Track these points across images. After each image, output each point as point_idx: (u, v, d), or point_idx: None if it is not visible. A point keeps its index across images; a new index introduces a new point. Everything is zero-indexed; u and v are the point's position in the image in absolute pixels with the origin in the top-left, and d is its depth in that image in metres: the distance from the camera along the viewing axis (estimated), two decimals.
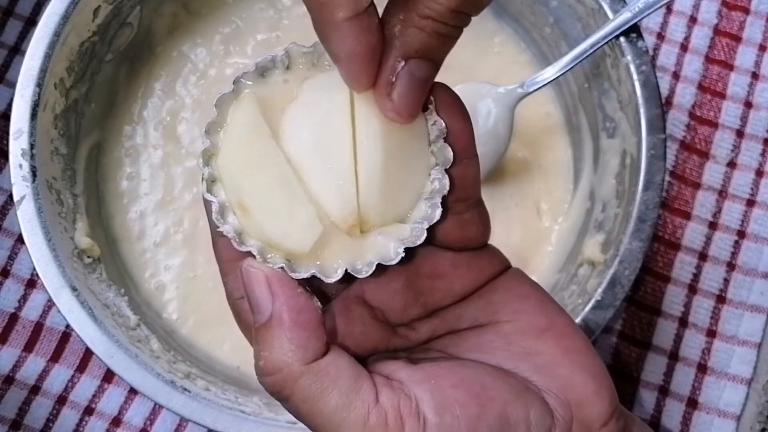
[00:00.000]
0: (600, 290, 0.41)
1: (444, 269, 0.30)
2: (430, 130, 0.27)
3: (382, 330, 0.30)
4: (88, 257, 0.43)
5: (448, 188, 0.27)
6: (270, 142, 0.26)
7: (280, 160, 0.26)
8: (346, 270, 0.26)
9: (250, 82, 0.27)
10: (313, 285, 0.27)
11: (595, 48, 0.44)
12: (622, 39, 0.44)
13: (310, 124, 0.27)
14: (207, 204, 0.27)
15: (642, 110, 0.43)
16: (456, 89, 0.51)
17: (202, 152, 0.27)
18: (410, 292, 0.30)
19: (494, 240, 0.48)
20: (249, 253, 0.26)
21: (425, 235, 0.27)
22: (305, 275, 0.26)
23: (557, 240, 0.48)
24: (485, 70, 0.50)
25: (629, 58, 0.44)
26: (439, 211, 0.27)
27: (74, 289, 0.40)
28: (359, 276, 0.27)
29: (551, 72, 0.46)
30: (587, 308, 0.41)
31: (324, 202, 0.27)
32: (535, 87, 0.46)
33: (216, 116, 0.27)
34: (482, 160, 0.47)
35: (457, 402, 0.27)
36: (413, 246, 0.27)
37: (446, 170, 0.27)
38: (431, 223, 0.27)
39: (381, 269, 0.28)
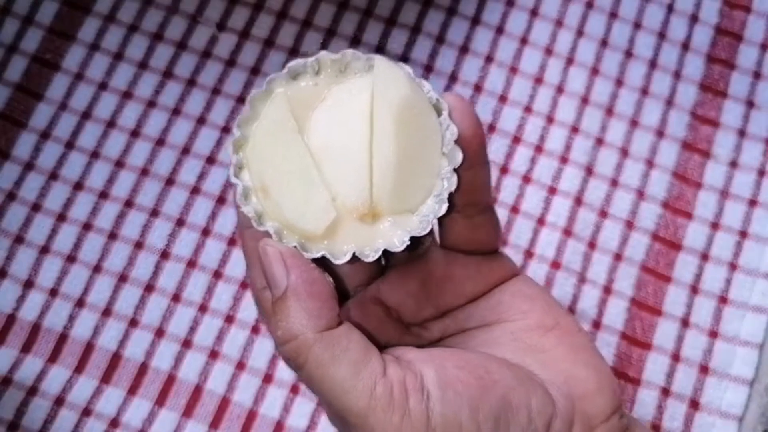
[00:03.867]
0: None
1: (455, 272, 0.32)
2: (444, 134, 0.30)
3: (396, 328, 0.32)
4: None
5: (456, 185, 0.29)
6: (295, 136, 0.29)
7: (303, 152, 0.29)
8: (354, 254, 0.29)
9: (282, 83, 0.31)
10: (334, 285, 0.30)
11: None
12: None
13: (333, 123, 0.30)
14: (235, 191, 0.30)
15: None
16: None
17: (233, 142, 0.30)
18: (423, 294, 0.32)
19: None
20: (267, 235, 0.29)
21: (431, 226, 0.29)
22: (316, 255, 0.29)
23: None
24: None
25: None
26: (445, 206, 0.29)
27: None
28: (366, 260, 0.29)
29: None
30: None
31: (340, 191, 0.29)
32: None
33: (247, 111, 0.30)
34: None
35: (460, 381, 0.28)
36: (419, 236, 0.29)
37: (457, 171, 0.29)
38: (437, 216, 0.29)
39: (396, 273, 0.31)
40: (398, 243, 0.29)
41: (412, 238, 0.29)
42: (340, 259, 0.29)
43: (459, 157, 0.29)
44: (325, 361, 0.28)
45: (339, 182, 0.29)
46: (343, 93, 0.30)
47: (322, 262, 0.29)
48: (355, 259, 0.29)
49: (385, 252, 0.29)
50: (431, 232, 0.31)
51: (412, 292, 0.32)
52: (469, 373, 0.29)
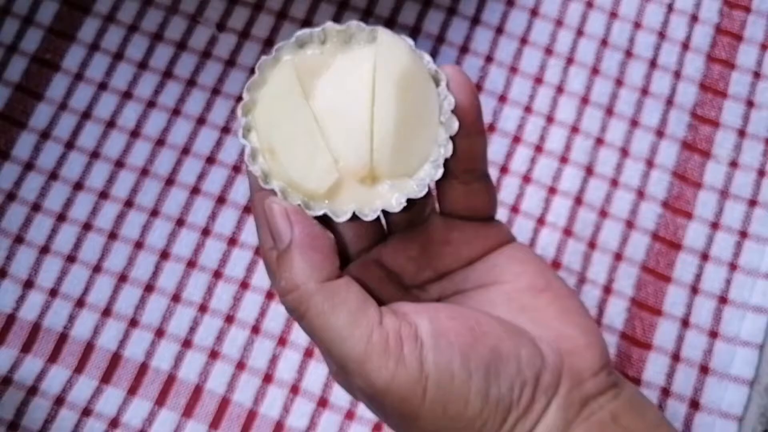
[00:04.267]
0: None
1: (453, 236, 0.34)
2: (442, 104, 0.31)
3: (396, 289, 0.34)
4: None
5: (451, 152, 0.31)
6: (301, 100, 0.31)
7: (308, 116, 0.31)
8: (354, 213, 0.30)
9: (290, 51, 0.32)
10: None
11: None
12: None
13: (337, 90, 0.31)
14: (244, 151, 0.31)
15: None
16: None
17: (242, 105, 0.31)
18: (423, 258, 0.34)
19: None
20: (273, 194, 0.31)
21: (427, 189, 0.31)
22: (319, 213, 0.30)
23: None
24: None
25: None
26: (440, 171, 0.31)
27: None
28: (365, 219, 0.30)
29: None
30: None
31: (342, 154, 0.31)
32: None
33: (257, 76, 0.32)
34: None
35: (452, 330, 0.30)
36: (416, 198, 0.31)
37: (454, 139, 0.31)
38: (433, 180, 0.31)
39: (397, 238, 0.33)
40: (395, 204, 0.31)
41: (409, 200, 0.31)
42: (341, 218, 0.30)
43: (455, 125, 0.31)
44: (325, 310, 0.29)
45: (341, 146, 0.31)
46: (348, 62, 0.32)
47: (324, 221, 0.31)
48: (354, 218, 0.30)
49: (385, 214, 0.31)
50: (431, 199, 0.34)
51: (412, 256, 0.34)
52: (461, 324, 0.30)
